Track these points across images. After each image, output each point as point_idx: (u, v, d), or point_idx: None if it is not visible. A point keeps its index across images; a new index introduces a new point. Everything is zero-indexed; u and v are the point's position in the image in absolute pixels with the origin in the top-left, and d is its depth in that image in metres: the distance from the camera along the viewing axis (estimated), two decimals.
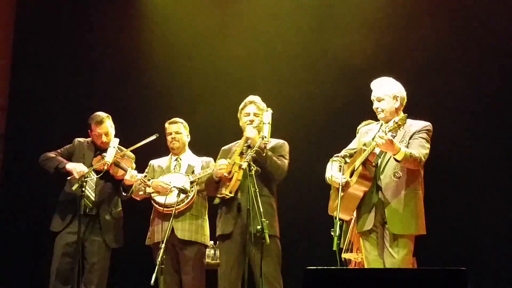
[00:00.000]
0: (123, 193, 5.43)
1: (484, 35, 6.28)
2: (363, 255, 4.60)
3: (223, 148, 5.29)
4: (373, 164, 4.47)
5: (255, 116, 5.04)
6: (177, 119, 5.68)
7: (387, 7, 6.59)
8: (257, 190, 4.54)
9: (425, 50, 6.43)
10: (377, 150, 4.44)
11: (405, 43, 6.51)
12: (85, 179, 5.19)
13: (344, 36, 6.62)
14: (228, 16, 7.14)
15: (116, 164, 5.32)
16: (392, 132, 4.23)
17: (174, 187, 5.15)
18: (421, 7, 6.54)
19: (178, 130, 5.62)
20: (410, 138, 4.45)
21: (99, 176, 5.32)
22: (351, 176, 4.53)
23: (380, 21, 6.56)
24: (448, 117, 6.18)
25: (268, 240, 4.36)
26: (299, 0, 6.97)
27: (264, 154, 4.79)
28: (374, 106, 4.56)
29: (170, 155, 5.67)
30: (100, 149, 5.50)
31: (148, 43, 7.32)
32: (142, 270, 5.44)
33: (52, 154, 5.45)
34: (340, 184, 4.47)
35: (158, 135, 5.44)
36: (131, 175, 5.31)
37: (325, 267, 4.25)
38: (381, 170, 4.47)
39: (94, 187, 5.39)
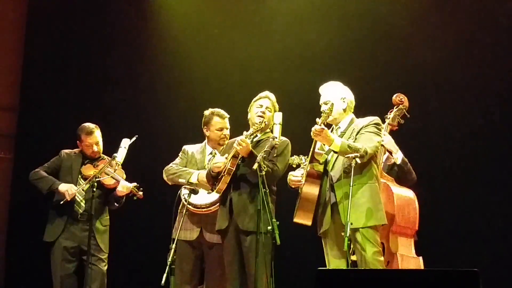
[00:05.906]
0: (115, 204, 5.49)
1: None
2: (325, 256, 4.59)
3: (229, 140, 5.16)
4: (321, 162, 4.53)
5: (267, 110, 4.96)
6: (225, 112, 5.35)
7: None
8: (267, 190, 4.50)
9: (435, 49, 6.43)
10: (324, 147, 4.50)
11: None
12: (96, 179, 5.23)
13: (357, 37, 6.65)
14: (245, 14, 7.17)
15: (107, 173, 5.34)
16: (323, 122, 4.34)
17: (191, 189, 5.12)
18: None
19: (229, 126, 5.34)
20: (357, 134, 4.51)
21: (107, 177, 5.33)
22: None
23: (390, 22, 6.57)
24: (461, 115, 6.18)
25: (279, 241, 4.35)
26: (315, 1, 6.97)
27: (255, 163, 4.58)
28: (322, 109, 4.62)
29: (204, 144, 5.38)
30: (89, 159, 5.54)
31: (162, 40, 7.34)
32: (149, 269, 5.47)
33: (43, 173, 5.48)
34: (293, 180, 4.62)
35: (137, 136, 5.36)
36: (124, 186, 5.33)
37: (337, 268, 4.28)
38: (331, 167, 4.53)
39: (84, 193, 5.42)
